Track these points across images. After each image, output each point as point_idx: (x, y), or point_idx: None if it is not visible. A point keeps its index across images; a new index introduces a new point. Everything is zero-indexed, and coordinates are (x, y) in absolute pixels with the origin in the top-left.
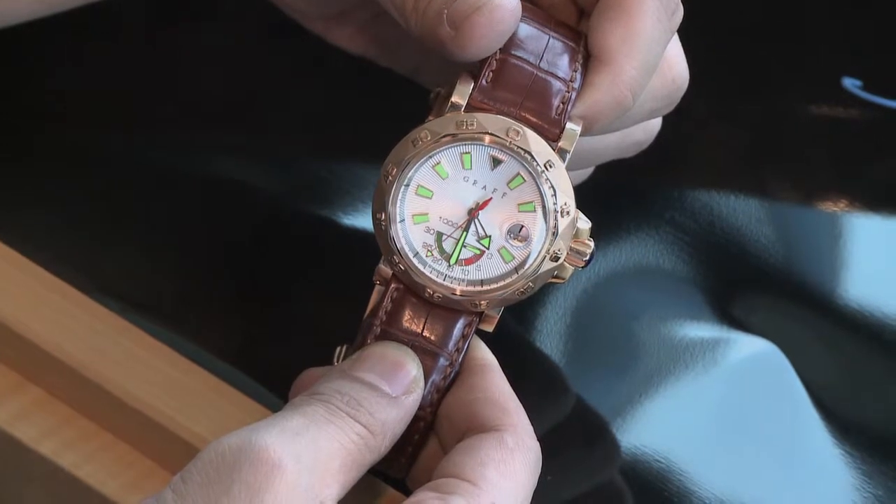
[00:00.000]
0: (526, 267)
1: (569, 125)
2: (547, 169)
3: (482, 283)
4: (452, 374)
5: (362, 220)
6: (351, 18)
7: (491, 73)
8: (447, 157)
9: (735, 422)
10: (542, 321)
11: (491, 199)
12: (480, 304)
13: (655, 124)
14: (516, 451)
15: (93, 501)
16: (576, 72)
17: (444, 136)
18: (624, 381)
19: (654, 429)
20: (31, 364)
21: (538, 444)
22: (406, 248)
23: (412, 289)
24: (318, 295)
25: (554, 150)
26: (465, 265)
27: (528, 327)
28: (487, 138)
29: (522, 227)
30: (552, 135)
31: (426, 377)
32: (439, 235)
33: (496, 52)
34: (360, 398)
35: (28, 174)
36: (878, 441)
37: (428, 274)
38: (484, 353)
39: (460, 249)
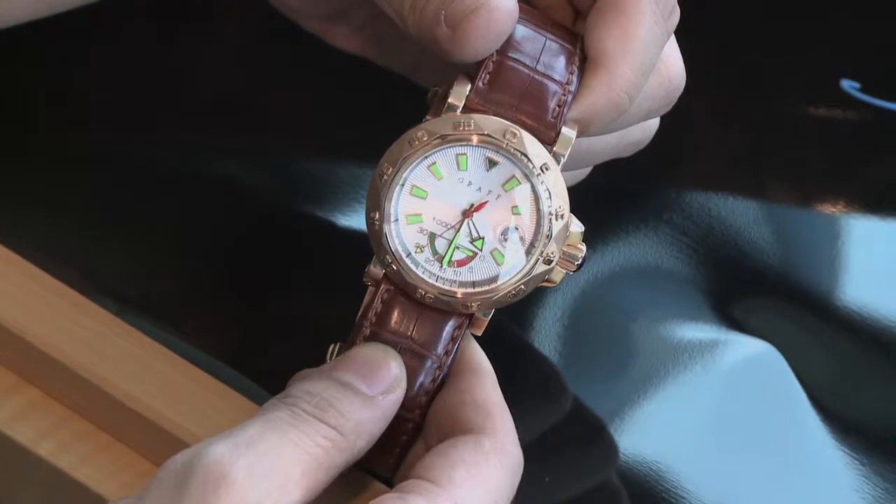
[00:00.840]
0: (519, 270)
1: (564, 129)
2: (542, 172)
3: (474, 284)
4: (441, 377)
5: (360, 220)
6: (348, 18)
7: (487, 75)
8: (443, 158)
9: (733, 423)
10: (540, 322)
11: (487, 202)
12: (471, 306)
13: (653, 124)
14: (492, 454)
15: (90, 502)
16: (572, 74)
17: (440, 137)
18: (622, 382)
19: (651, 430)
20: (29, 365)
21: (520, 450)
22: (399, 249)
23: (404, 289)
24: (317, 295)
25: (549, 153)
26: (457, 266)
27: (525, 328)
28: (484, 140)
29: (518, 229)
30: (548, 138)
31: (414, 379)
32: (432, 236)
33: (493, 54)
34: (331, 398)
35: (26, 175)
36: (876, 442)
37: (420, 274)
38: (478, 358)
39: (453, 250)
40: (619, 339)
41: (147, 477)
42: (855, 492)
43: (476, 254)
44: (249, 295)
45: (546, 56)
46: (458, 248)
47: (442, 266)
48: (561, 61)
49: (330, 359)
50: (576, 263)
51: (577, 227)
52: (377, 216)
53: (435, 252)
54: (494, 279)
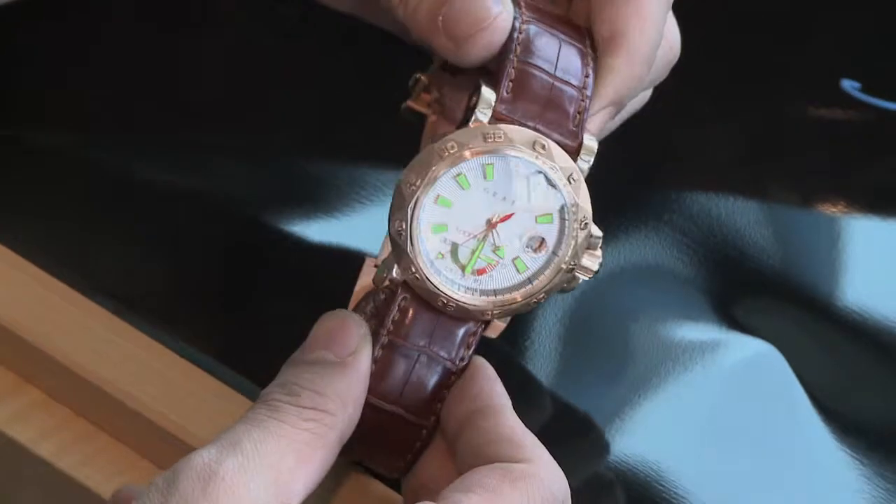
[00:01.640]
0: (541, 279)
1: (587, 139)
2: (570, 182)
3: (495, 293)
4: (454, 381)
5: (359, 221)
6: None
7: (511, 83)
8: (470, 169)
9: (733, 423)
10: (541, 322)
11: (513, 214)
12: (490, 314)
13: (649, 92)
14: (521, 481)
15: (91, 503)
16: (587, 77)
17: (470, 148)
18: (622, 382)
19: (652, 430)
20: (30, 365)
21: (560, 480)
22: (423, 258)
23: (424, 298)
24: (316, 296)
25: (574, 161)
26: (478, 275)
27: (526, 328)
28: (514, 151)
29: (542, 239)
30: (571, 146)
31: (431, 386)
32: (455, 245)
33: (514, 60)
34: (302, 381)
35: (26, 175)
36: (877, 442)
37: (442, 283)
38: (490, 393)
39: (475, 259)
40: (619, 339)
41: (147, 477)
42: (856, 492)
43: (498, 262)
44: (249, 295)
45: (563, 60)
46: (480, 257)
47: (463, 274)
48: (577, 64)
49: None
50: (594, 271)
51: (596, 233)
52: (403, 226)
53: (456, 260)
54: (516, 287)
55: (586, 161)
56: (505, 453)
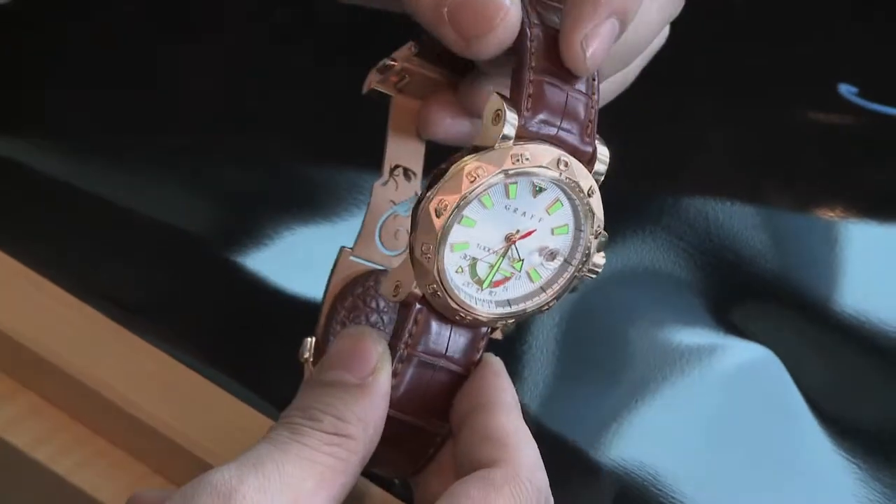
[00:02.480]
0: (555, 287)
1: (600, 149)
2: (589, 196)
3: (509, 303)
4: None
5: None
6: None
7: (530, 100)
8: (495, 190)
9: (730, 427)
10: (538, 326)
11: (535, 230)
12: (506, 322)
13: (667, 30)
14: (505, 486)
15: None
16: (594, 81)
17: (502, 172)
18: (619, 386)
19: (649, 435)
20: (25, 369)
21: (542, 477)
22: (447, 276)
23: (442, 312)
24: (314, 300)
25: (590, 169)
26: (494, 287)
27: (523, 332)
28: (541, 171)
29: (557, 249)
30: (585, 156)
31: (448, 395)
32: (474, 261)
33: (529, 73)
34: (322, 405)
35: (24, 180)
36: (874, 446)
37: (463, 298)
38: (494, 390)
39: (494, 274)
40: (616, 343)
41: (144, 481)
42: (853, 496)
43: (514, 274)
44: (248, 300)
45: None
46: (498, 271)
47: (481, 289)
48: None
49: (307, 353)
50: (600, 267)
51: (604, 238)
52: (429, 248)
53: (474, 275)
54: (530, 297)
55: (601, 168)
56: (488, 454)
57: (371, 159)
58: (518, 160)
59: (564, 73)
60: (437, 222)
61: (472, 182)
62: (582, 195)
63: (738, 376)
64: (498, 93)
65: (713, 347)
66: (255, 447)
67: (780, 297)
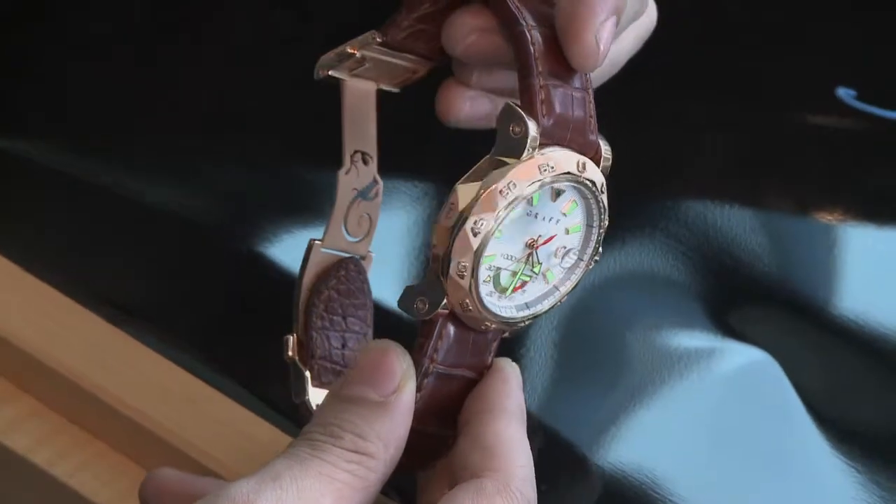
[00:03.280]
0: (567, 284)
1: (603, 146)
2: (601, 193)
3: (527, 305)
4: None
5: None
6: None
7: (543, 106)
8: (522, 202)
9: (729, 431)
10: (536, 330)
11: (555, 235)
12: (522, 324)
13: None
14: (497, 497)
15: None
16: (586, 76)
17: (531, 185)
18: (618, 389)
19: (647, 438)
20: (24, 373)
21: (531, 488)
22: (479, 291)
23: (468, 324)
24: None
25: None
26: (513, 292)
27: (522, 336)
28: (568, 178)
29: (571, 248)
30: (591, 152)
31: (460, 400)
32: (498, 270)
33: (539, 78)
34: (344, 422)
35: (21, 184)
36: (872, 449)
37: (491, 309)
38: (498, 396)
39: (516, 282)
40: (614, 346)
41: None
42: (851, 499)
43: (532, 277)
44: (244, 302)
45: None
46: (520, 277)
47: (503, 296)
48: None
49: (290, 352)
50: (596, 261)
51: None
52: (466, 267)
53: (497, 284)
54: (545, 297)
55: (607, 163)
56: (480, 462)
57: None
58: (545, 169)
59: (564, 73)
60: (475, 241)
61: (505, 198)
62: (597, 193)
63: (737, 379)
64: (512, 103)
65: (712, 351)
66: (273, 462)
67: (778, 300)
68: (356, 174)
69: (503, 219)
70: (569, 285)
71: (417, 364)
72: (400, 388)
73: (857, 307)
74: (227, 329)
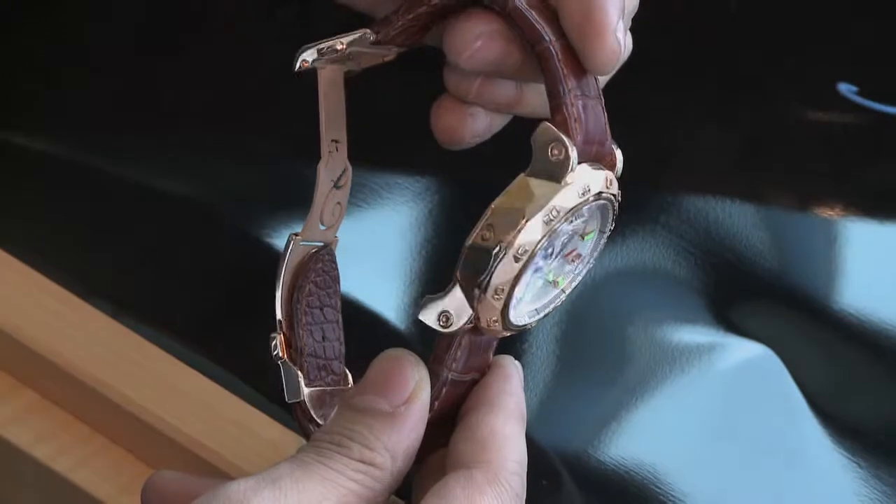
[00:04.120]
0: (573, 285)
1: (617, 152)
2: (618, 202)
3: (537, 311)
4: None
5: (356, 224)
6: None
7: (577, 125)
8: None
9: (730, 426)
10: (538, 325)
11: (581, 254)
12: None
13: None
14: (487, 487)
15: None
16: (597, 81)
17: (573, 210)
18: (619, 385)
19: (648, 433)
20: (26, 368)
21: (520, 480)
22: (509, 311)
23: (489, 335)
24: None
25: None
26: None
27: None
28: (600, 198)
29: (583, 254)
30: (608, 158)
31: (463, 400)
32: (527, 287)
33: (569, 97)
34: (352, 432)
35: (22, 179)
36: (874, 445)
37: (513, 322)
38: (495, 391)
39: (535, 294)
40: (616, 342)
41: (143, 479)
42: (853, 495)
43: (545, 284)
44: (245, 297)
45: (585, 78)
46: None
47: (520, 305)
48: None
49: (278, 351)
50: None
51: None
52: (503, 290)
53: (522, 299)
54: (553, 300)
55: (619, 167)
56: (471, 454)
57: (370, 158)
58: (584, 193)
59: (584, 82)
60: (517, 267)
61: (548, 225)
62: (615, 204)
63: (738, 375)
64: (549, 124)
65: (713, 346)
66: (277, 465)
67: (779, 296)
68: (332, 164)
69: (545, 245)
70: (573, 285)
71: (435, 375)
72: (412, 398)
73: (859, 302)
74: (229, 324)
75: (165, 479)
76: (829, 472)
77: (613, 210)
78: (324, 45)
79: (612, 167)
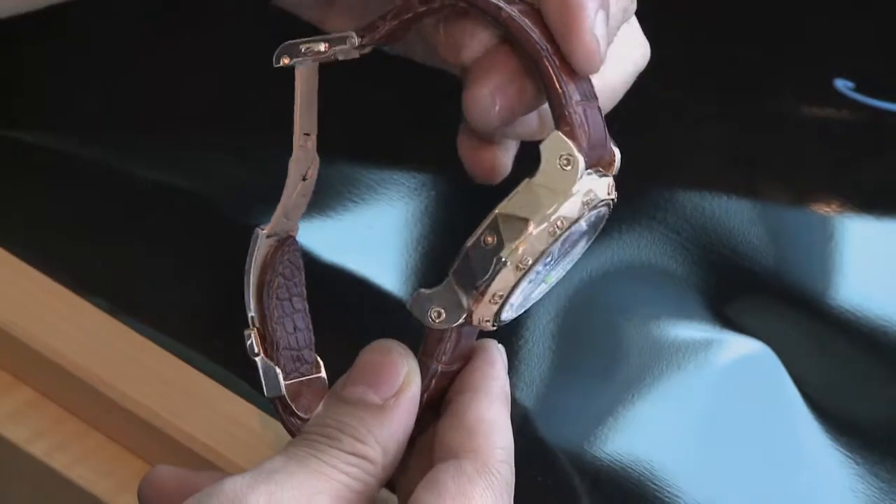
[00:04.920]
0: (558, 279)
1: (616, 151)
2: (615, 203)
3: (522, 305)
4: None
5: (353, 219)
6: (345, 3)
7: (581, 132)
8: None
9: (726, 422)
10: (534, 321)
11: (574, 254)
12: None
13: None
14: (477, 477)
15: (84, 502)
16: (589, 82)
17: (578, 220)
18: (615, 380)
19: (645, 429)
20: (23, 364)
21: (509, 468)
22: (503, 311)
23: (479, 329)
24: (309, 295)
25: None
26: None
27: (519, 327)
28: (602, 204)
29: (574, 253)
30: (607, 158)
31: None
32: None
33: (571, 103)
34: (342, 424)
35: (19, 176)
36: (871, 441)
37: (503, 318)
38: (480, 376)
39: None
40: (612, 338)
41: (140, 476)
42: (850, 491)
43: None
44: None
45: (582, 81)
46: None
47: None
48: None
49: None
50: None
51: None
52: (501, 295)
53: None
54: (539, 294)
55: (617, 166)
56: (459, 442)
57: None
58: (590, 202)
59: (581, 85)
60: (518, 274)
61: (553, 235)
62: (610, 206)
63: (734, 371)
64: (560, 133)
65: (709, 342)
66: (270, 459)
67: (776, 292)
68: (302, 157)
69: (548, 252)
70: (559, 279)
71: (425, 367)
72: (402, 390)
73: (855, 299)
74: (227, 320)
75: (162, 474)
76: (826, 468)
77: (608, 212)
78: (307, 46)
79: (611, 165)
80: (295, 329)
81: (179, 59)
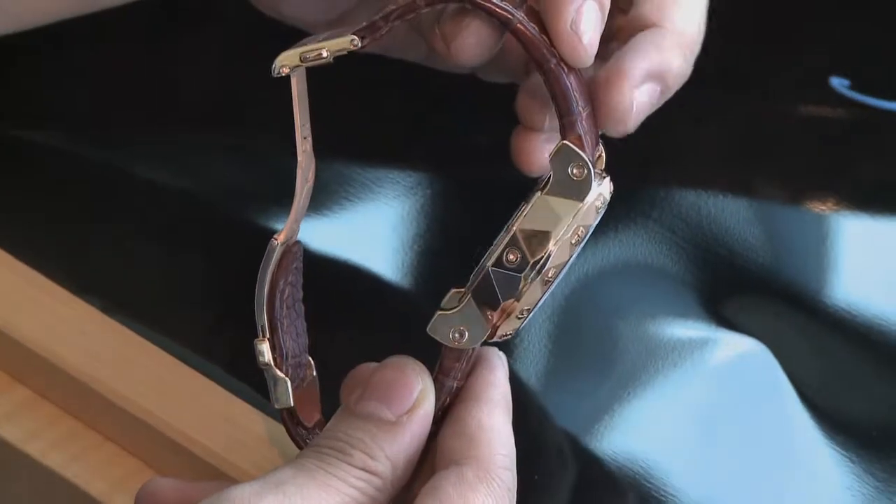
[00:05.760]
0: (555, 284)
1: (602, 147)
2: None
3: (528, 311)
4: None
5: (348, 218)
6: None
7: (590, 141)
8: None
9: (722, 421)
10: (530, 320)
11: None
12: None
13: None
14: (478, 483)
15: (79, 501)
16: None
17: (589, 227)
18: (611, 379)
19: (640, 428)
20: (18, 364)
21: (511, 474)
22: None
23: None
24: (305, 295)
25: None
26: None
27: None
28: (606, 203)
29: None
30: (600, 158)
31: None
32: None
33: (578, 113)
34: (353, 439)
35: (16, 176)
36: (867, 440)
37: (515, 328)
38: (483, 385)
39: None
40: (608, 336)
41: (136, 475)
42: (846, 489)
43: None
44: (238, 294)
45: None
46: None
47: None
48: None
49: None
50: None
51: None
52: (528, 310)
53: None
54: (540, 298)
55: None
56: (461, 450)
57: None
58: (600, 206)
59: (585, 91)
60: (546, 288)
61: (574, 245)
62: (605, 206)
63: (730, 369)
64: (569, 143)
65: (705, 341)
66: (279, 469)
67: (771, 290)
68: (306, 161)
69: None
70: (557, 282)
71: (440, 384)
72: (415, 407)
73: (851, 297)
74: (225, 321)
75: (160, 486)
76: (822, 467)
77: (605, 210)
78: (307, 51)
79: (601, 164)
80: (297, 335)
81: (178, 59)
